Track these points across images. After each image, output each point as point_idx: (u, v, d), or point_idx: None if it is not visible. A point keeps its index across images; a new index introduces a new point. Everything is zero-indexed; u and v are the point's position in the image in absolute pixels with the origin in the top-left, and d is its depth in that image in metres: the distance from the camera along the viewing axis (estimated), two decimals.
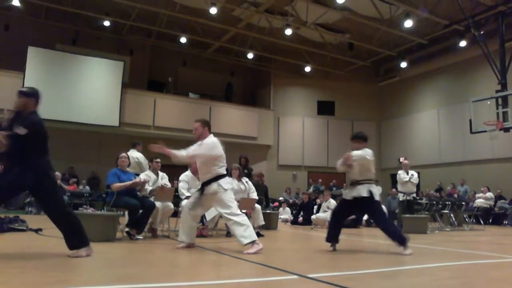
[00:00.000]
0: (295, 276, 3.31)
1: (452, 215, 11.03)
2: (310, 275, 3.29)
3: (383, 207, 12.14)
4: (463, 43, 15.52)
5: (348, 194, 5.23)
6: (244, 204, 7.03)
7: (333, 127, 19.89)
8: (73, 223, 3.95)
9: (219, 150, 4.99)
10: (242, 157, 9.41)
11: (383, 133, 20.23)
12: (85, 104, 15.49)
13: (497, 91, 12.95)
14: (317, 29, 16.27)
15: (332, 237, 5.20)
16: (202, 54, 18.65)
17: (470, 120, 13.37)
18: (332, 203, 11.15)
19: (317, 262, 4.45)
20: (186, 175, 6.99)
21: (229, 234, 7.03)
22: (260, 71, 20.30)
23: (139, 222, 5.95)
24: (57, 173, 11.38)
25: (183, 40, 17.31)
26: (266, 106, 19.94)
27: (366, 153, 5.12)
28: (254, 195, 7.76)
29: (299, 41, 17.37)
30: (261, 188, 9.25)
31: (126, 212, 6.17)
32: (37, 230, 6.51)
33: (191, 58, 19.11)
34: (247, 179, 8.01)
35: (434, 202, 11.19)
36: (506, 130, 12.51)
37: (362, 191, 5.05)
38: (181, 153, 4.93)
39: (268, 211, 9.97)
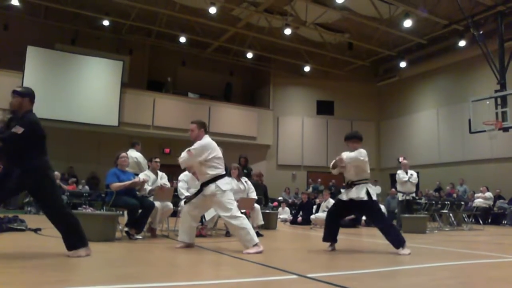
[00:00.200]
0: (294, 276, 3.31)
1: (451, 215, 11.05)
2: (309, 275, 3.29)
3: (382, 206, 12.19)
4: (462, 43, 15.53)
5: (345, 195, 5.22)
6: (244, 204, 7.03)
7: (332, 127, 19.89)
8: (71, 223, 3.95)
9: (214, 151, 4.96)
10: (242, 157, 9.42)
11: (382, 133, 20.24)
12: (84, 104, 15.48)
13: (496, 91, 12.96)
14: (317, 28, 16.27)
15: (328, 237, 5.19)
16: (201, 53, 18.65)
17: (469, 120, 13.39)
18: (331, 203, 11.13)
19: (316, 261, 4.45)
20: (185, 175, 6.98)
21: (228, 233, 7.03)
22: (259, 70, 20.30)
23: (138, 221, 5.95)
24: (56, 172, 11.38)
25: (182, 39, 17.30)
26: (265, 106, 19.95)
27: (360, 154, 5.12)
28: (254, 195, 7.76)
29: (299, 40, 17.37)
30: (260, 187, 9.25)
31: (125, 212, 6.17)
32: (36, 230, 6.51)
33: (191, 57, 19.11)
34: (246, 179, 8.01)
35: (433, 202, 11.20)
36: (505, 130, 12.53)
37: (360, 193, 5.04)
38: (183, 156, 4.90)
39: (267, 211, 9.97)
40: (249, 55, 18.68)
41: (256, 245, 4.68)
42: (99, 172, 14.91)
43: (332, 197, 11.81)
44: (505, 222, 13.43)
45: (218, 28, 16.24)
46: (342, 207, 5.31)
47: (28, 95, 4.03)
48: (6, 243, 5.06)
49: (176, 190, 7.13)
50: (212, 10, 14.17)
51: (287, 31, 15.71)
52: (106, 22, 16.15)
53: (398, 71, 18.92)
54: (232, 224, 4.77)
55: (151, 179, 6.79)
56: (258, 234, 6.64)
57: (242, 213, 5.01)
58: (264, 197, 9.72)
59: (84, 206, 7.10)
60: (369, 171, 5.21)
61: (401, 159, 15.75)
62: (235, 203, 4.96)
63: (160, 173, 7.06)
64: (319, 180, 17.90)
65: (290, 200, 16.47)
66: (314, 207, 12.01)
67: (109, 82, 16.22)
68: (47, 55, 15.49)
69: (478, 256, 5.17)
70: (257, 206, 7.74)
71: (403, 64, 17.92)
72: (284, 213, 13.68)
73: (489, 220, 13.52)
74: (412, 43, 17.06)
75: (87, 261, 3.72)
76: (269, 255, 4.73)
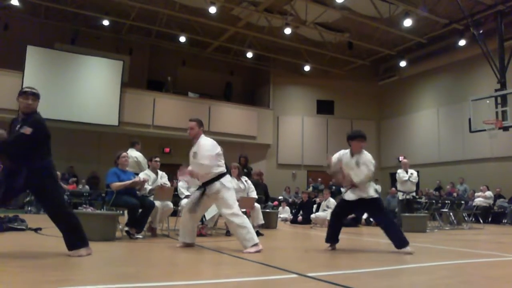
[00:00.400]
0: (295, 275, 3.32)
1: (451, 214, 11.05)
2: (309, 274, 3.29)
3: None
4: (462, 42, 15.53)
5: (351, 194, 5.17)
6: (244, 203, 7.03)
7: (332, 126, 19.89)
8: (73, 223, 3.95)
9: (217, 148, 5.03)
10: (242, 157, 9.43)
11: (382, 132, 20.24)
12: (84, 104, 15.48)
13: (496, 90, 12.96)
14: (317, 28, 16.26)
15: (332, 237, 5.19)
16: (201, 53, 18.64)
17: (470, 119, 13.39)
18: (332, 202, 11.15)
19: (316, 261, 4.45)
20: None
21: (228, 233, 7.04)
22: (259, 70, 20.30)
23: (138, 221, 5.96)
24: (57, 172, 11.38)
25: (182, 39, 17.30)
26: (265, 105, 19.95)
27: (370, 168, 5.10)
28: (254, 194, 7.76)
29: (299, 40, 17.36)
30: (260, 186, 9.25)
31: (126, 211, 6.17)
32: (36, 230, 6.52)
33: (191, 57, 19.10)
34: (246, 178, 8.02)
35: (434, 201, 11.21)
36: (505, 129, 12.53)
37: (369, 191, 5.05)
38: (201, 168, 4.89)
39: (267, 210, 9.98)
40: (249, 54, 18.68)
41: (255, 244, 4.69)
42: (99, 171, 14.92)
43: (332, 196, 11.82)
44: (505, 221, 13.43)
45: (218, 27, 16.23)
46: (346, 207, 5.28)
47: (39, 96, 4.04)
48: (6, 243, 5.06)
49: (176, 189, 7.14)
50: (212, 9, 14.16)
51: (287, 31, 15.70)
52: (106, 22, 16.14)
53: (398, 71, 18.92)
54: (233, 222, 4.77)
55: (151, 178, 6.79)
56: (258, 234, 6.66)
57: (242, 212, 5.01)
58: (264, 195, 9.73)
59: (84, 205, 7.11)
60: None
61: (401, 158, 15.75)
62: (237, 202, 4.98)
63: (160, 172, 7.06)
64: (319, 179, 17.90)
65: (290, 200, 16.47)
66: (314, 206, 12.01)
67: (109, 82, 16.22)
68: (47, 54, 15.49)
69: (478, 255, 5.17)
70: (257, 205, 7.74)
71: (403, 64, 17.92)
72: (284, 212, 13.68)
73: (489, 219, 13.52)
74: (412, 43, 17.05)
75: (87, 261, 3.73)
76: (269, 254, 4.74)
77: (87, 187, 14.58)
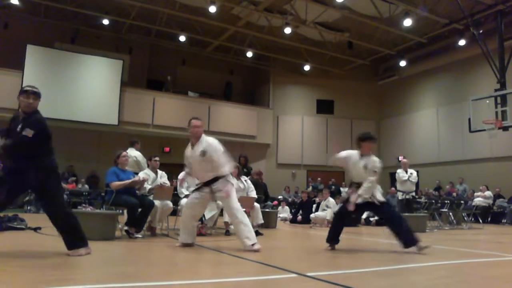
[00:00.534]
0: (294, 275, 3.32)
1: (451, 213, 11.06)
2: (308, 274, 3.29)
3: None
4: (462, 42, 15.53)
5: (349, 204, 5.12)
6: (244, 202, 7.00)
7: (332, 126, 19.91)
8: (72, 223, 3.95)
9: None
10: (242, 156, 9.43)
11: (382, 131, 20.23)
12: (84, 103, 15.48)
13: (496, 90, 12.96)
14: (317, 27, 16.26)
15: (333, 238, 5.17)
16: (201, 52, 18.63)
17: (469, 119, 13.39)
18: (331, 201, 11.16)
19: (315, 260, 4.46)
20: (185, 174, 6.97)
21: (228, 232, 7.05)
22: (259, 69, 20.29)
23: (138, 220, 5.96)
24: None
25: (182, 38, 17.29)
26: (265, 105, 19.95)
27: (377, 165, 5.21)
28: (253, 194, 7.77)
29: (299, 39, 17.36)
30: (260, 186, 9.25)
31: (125, 211, 6.17)
32: (36, 229, 6.52)
33: (190, 56, 19.10)
34: (246, 178, 8.02)
35: (433, 201, 11.21)
36: (505, 129, 12.53)
37: (377, 195, 5.05)
38: (213, 165, 4.94)
39: (267, 210, 9.98)
40: (249, 54, 18.67)
41: (254, 244, 4.71)
42: (99, 170, 14.91)
43: (332, 196, 11.83)
44: (505, 221, 13.44)
45: (218, 27, 16.22)
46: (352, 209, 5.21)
47: (40, 95, 4.04)
48: (6, 242, 5.06)
49: (175, 189, 7.13)
50: (212, 9, 14.15)
51: (287, 30, 15.69)
52: (106, 21, 16.12)
53: (398, 70, 18.91)
54: (238, 217, 4.80)
55: (150, 178, 6.79)
56: (258, 233, 6.67)
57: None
58: (264, 195, 9.73)
59: (84, 205, 7.11)
60: None
61: (400, 158, 15.74)
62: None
63: (159, 172, 7.06)
64: (319, 179, 17.91)
65: (290, 199, 16.47)
66: (314, 206, 12.01)
67: (109, 81, 16.22)
68: (46, 54, 15.48)
69: (477, 255, 5.17)
70: (257, 205, 7.74)
71: (403, 63, 17.91)
72: (284, 212, 13.68)
73: (489, 219, 13.52)
74: (412, 42, 17.05)
75: (87, 260, 3.73)
76: (269, 254, 4.74)
77: (86, 186, 14.58)
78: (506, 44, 13.63)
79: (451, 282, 3.31)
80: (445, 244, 6.37)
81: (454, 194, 14.85)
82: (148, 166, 7.21)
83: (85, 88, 15.73)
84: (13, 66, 14.52)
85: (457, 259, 4.62)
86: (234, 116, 18.35)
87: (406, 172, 9.89)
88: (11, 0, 14.43)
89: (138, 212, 5.91)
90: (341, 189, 17.00)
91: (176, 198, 7.15)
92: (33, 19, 15.79)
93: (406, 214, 9.51)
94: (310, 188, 16.76)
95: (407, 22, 14.37)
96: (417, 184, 10.61)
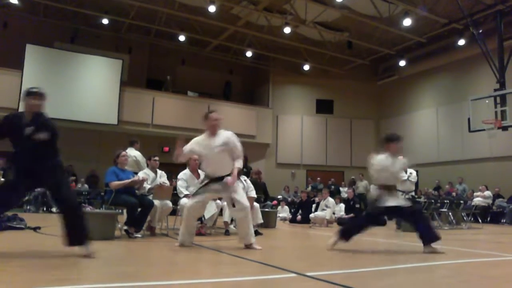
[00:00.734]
0: (293, 274, 3.32)
1: (450, 213, 11.06)
2: (308, 273, 3.29)
3: None
4: (461, 42, 15.53)
5: (392, 200, 5.07)
6: None
7: (331, 126, 19.91)
8: (85, 219, 3.99)
9: None
10: None
11: (381, 131, 20.19)
12: (83, 102, 15.47)
13: (495, 90, 12.97)
14: (316, 27, 16.26)
15: (350, 235, 5.01)
16: (200, 52, 18.63)
17: (469, 119, 13.39)
18: (331, 201, 11.16)
19: (315, 260, 4.46)
20: (184, 174, 6.99)
21: (227, 232, 7.04)
22: (258, 69, 20.29)
23: (137, 220, 5.96)
24: None
25: (181, 38, 17.28)
26: (264, 105, 19.94)
27: (405, 164, 5.37)
28: (253, 194, 7.75)
29: (298, 39, 17.36)
30: (259, 185, 9.25)
31: (125, 210, 6.17)
32: (35, 228, 6.51)
33: (190, 56, 19.09)
34: (245, 177, 8.01)
35: (433, 201, 11.20)
36: (504, 128, 12.53)
37: (400, 200, 5.05)
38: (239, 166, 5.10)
39: (266, 210, 9.98)
40: (249, 53, 18.67)
41: (255, 243, 4.78)
42: (98, 170, 14.90)
43: (331, 196, 11.83)
44: (504, 220, 13.45)
45: (218, 26, 16.22)
46: (384, 212, 5.18)
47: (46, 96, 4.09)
48: (5, 242, 5.06)
49: (175, 188, 7.13)
50: (212, 8, 14.15)
51: (287, 30, 15.69)
52: (105, 21, 16.12)
53: (398, 70, 18.92)
54: (247, 213, 4.85)
55: (150, 177, 6.79)
56: (257, 233, 6.66)
57: None
58: (264, 194, 9.73)
59: (83, 204, 7.11)
60: None
61: (400, 157, 15.75)
62: None
63: (159, 171, 7.06)
64: (318, 178, 17.92)
65: (289, 199, 16.47)
66: (313, 205, 12.00)
67: (108, 81, 16.21)
68: (46, 53, 15.47)
69: (477, 254, 5.18)
70: (256, 204, 7.74)
71: (402, 63, 17.92)
72: (284, 211, 13.68)
73: (488, 219, 13.54)
74: (411, 42, 17.06)
75: (86, 260, 3.72)
76: (268, 253, 4.74)
77: (86, 186, 14.57)
78: (506, 44, 13.63)
79: (451, 282, 3.31)
80: (444, 244, 6.36)
81: (454, 194, 14.86)
82: (147, 165, 7.21)
83: (85, 88, 15.72)
84: (12, 65, 14.51)
85: (456, 258, 4.63)
86: (233, 116, 18.31)
87: (406, 171, 9.88)
88: None
89: (138, 212, 5.91)
90: (341, 189, 17.02)
91: (175, 198, 7.15)
92: (33, 19, 15.78)
93: None
94: (310, 188, 16.76)
95: (407, 22, 14.38)
96: (416, 184, 10.61)
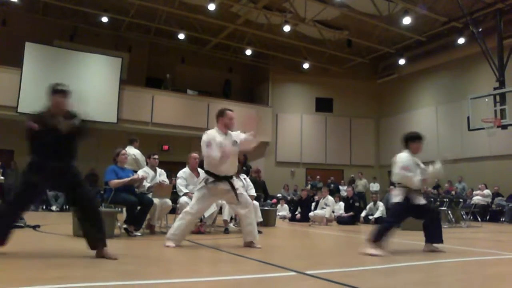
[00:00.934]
0: (293, 273, 3.32)
1: (449, 212, 11.06)
2: (307, 272, 3.30)
3: (381, 203, 12.21)
4: (461, 40, 15.53)
5: (420, 199, 5.05)
6: None
7: (331, 124, 19.91)
8: (102, 220, 3.95)
9: None
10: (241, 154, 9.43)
11: (381, 130, 20.24)
12: (83, 101, 15.43)
13: (495, 88, 12.97)
14: (316, 25, 16.24)
15: (382, 237, 4.67)
16: (200, 50, 18.62)
17: (468, 117, 13.40)
18: (330, 200, 11.16)
19: (315, 258, 4.46)
20: (184, 172, 6.99)
21: (227, 230, 7.05)
22: (258, 67, 20.28)
23: (137, 218, 5.96)
24: None
25: (181, 36, 17.27)
26: (264, 103, 19.93)
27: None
28: (252, 192, 7.76)
29: (298, 37, 17.34)
30: (258, 183, 9.27)
31: (124, 209, 6.17)
32: (34, 227, 6.51)
33: (189, 54, 19.08)
34: (245, 176, 8.02)
35: (432, 199, 11.22)
36: (504, 127, 12.54)
37: (421, 199, 5.01)
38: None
39: (266, 208, 9.98)
40: (248, 52, 18.65)
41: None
42: (97, 168, 14.88)
43: (331, 194, 11.83)
44: (503, 219, 13.47)
45: (217, 25, 16.20)
46: (412, 211, 5.01)
47: None
48: None
49: (175, 187, 7.13)
50: (211, 6, 14.14)
51: (286, 28, 15.68)
52: (105, 19, 16.09)
53: (397, 68, 18.92)
54: (251, 209, 4.90)
55: (150, 176, 6.79)
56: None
57: None
58: (263, 192, 9.73)
59: None
60: None
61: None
62: None
63: (159, 170, 7.06)
64: (318, 177, 17.93)
65: (289, 197, 16.47)
66: (313, 204, 12.01)
67: (107, 79, 16.19)
68: (45, 51, 15.43)
69: (476, 253, 5.18)
70: (255, 203, 7.74)
71: (402, 61, 17.92)
72: (283, 210, 13.68)
73: (487, 217, 13.55)
74: (411, 40, 17.05)
75: (86, 258, 3.72)
76: (268, 252, 4.74)
77: None
78: (505, 43, 13.63)
79: (450, 280, 3.32)
80: (444, 243, 6.38)
81: (453, 192, 14.87)
82: (147, 164, 7.20)
83: (84, 86, 15.61)
84: (11, 63, 14.48)
85: (456, 257, 4.63)
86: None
87: None
88: None
89: (137, 210, 5.91)
90: (340, 187, 17.03)
91: (175, 196, 7.15)
92: (32, 17, 15.75)
93: None
94: (309, 186, 16.77)
95: (406, 20, 14.37)
96: None
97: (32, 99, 14.28)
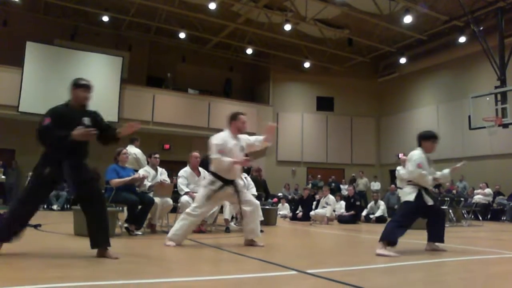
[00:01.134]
0: (294, 272, 3.32)
1: (450, 211, 11.05)
2: (308, 271, 3.29)
3: (381, 202, 12.20)
4: (462, 39, 15.50)
5: (430, 199, 4.97)
6: None
7: (332, 123, 19.90)
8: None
9: None
10: None
11: (382, 129, 20.23)
12: None
13: (496, 87, 12.95)
14: (316, 24, 16.22)
15: (395, 239, 4.60)
16: (201, 49, 18.61)
17: (469, 116, 13.38)
18: (331, 199, 11.15)
19: (315, 257, 4.46)
20: (185, 171, 6.99)
21: (227, 229, 7.04)
22: (259, 66, 20.27)
23: (138, 217, 5.96)
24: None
25: (182, 35, 17.26)
26: (265, 102, 19.92)
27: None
28: (253, 191, 7.77)
29: (298, 36, 17.33)
30: (259, 182, 9.26)
31: (125, 208, 6.17)
32: (36, 226, 6.51)
33: (190, 53, 19.07)
34: (246, 175, 8.01)
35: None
36: (505, 126, 12.52)
37: (430, 199, 4.95)
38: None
39: (267, 207, 9.98)
40: (249, 51, 18.64)
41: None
42: (99, 168, 14.85)
43: (332, 193, 11.82)
44: (504, 218, 13.46)
45: (218, 23, 16.20)
46: (422, 211, 4.95)
47: None
48: None
49: (176, 186, 7.13)
50: (212, 5, 14.13)
51: (287, 27, 15.67)
52: (105, 18, 16.10)
53: (398, 67, 18.90)
54: (256, 208, 4.99)
55: (150, 175, 6.79)
56: None
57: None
58: (264, 191, 9.72)
59: None
60: None
61: (400, 155, 15.68)
62: None
63: (159, 169, 7.06)
64: (319, 176, 17.92)
65: (289, 196, 16.47)
66: (314, 203, 11.99)
67: (108, 78, 16.18)
68: (46, 50, 15.44)
69: (477, 252, 5.18)
70: (256, 202, 7.73)
71: (403, 60, 17.90)
72: (284, 209, 13.68)
73: (489, 216, 13.54)
74: (412, 39, 17.03)
75: (87, 257, 3.72)
76: (269, 251, 4.74)
77: None
78: (507, 41, 13.61)
79: (452, 279, 3.31)
80: (445, 242, 6.37)
81: (454, 191, 14.85)
82: (148, 163, 7.21)
83: None
84: (12, 63, 14.49)
85: (457, 256, 4.63)
86: None
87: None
88: None
89: (138, 209, 5.91)
90: (341, 186, 17.02)
91: (176, 195, 7.15)
92: (33, 16, 15.76)
93: None
94: (310, 185, 16.77)
95: (407, 19, 14.34)
96: None
97: (33, 98, 14.30)
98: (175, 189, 7.09)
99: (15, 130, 14.82)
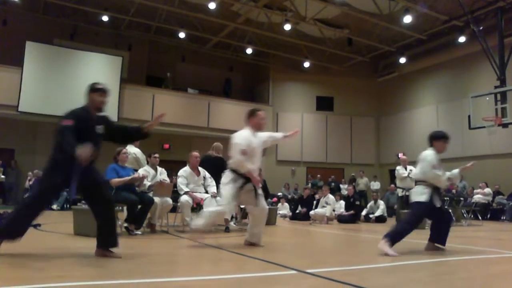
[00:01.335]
0: (294, 271, 3.32)
1: (450, 210, 11.03)
2: (308, 270, 3.29)
3: (381, 202, 12.20)
4: (462, 39, 15.50)
5: (439, 200, 4.90)
6: None
7: (332, 123, 19.90)
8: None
9: None
10: None
11: (381, 128, 20.23)
12: (83, 100, 15.44)
13: (496, 87, 12.95)
14: (316, 24, 16.22)
15: (400, 239, 4.62)
16: (200, 49, 18.61)
17: (469, 116, 13.38)
18: (331, 198, 11.16)
19: (315, 257, 4.46)
20: (184, 171, 6.99)
21: (227, 229, 7.04)
22: (258, 66, 20.27)
23: (137, 217, 5.96)
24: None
25: (181, 35, 17.26)
26: (264, 102, 19.91)
27: None
28: None
29: (298, 36, 17.33)
30: None
31: (125, 208, 6.17)
32: (35, 226, 6.50)
33: (190, 53, 19.06)
34: None
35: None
36: (505, 126, 12.52)
37: (439, 200, 4.89)
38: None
39: (267, 206, 9.97)
40: (249, 50, 18.64)
41: None
42: (99, 167, 14.87)
43: (332, 193, 11.83)
44: (504, 218, 13.46)
45: (218, 23, 16.19)
46: (430, 212, 4.91)
47: None
48: None
49: (175, 185, 7.13)
50: (212, 5, 14.13)
51: (287, 27, 15.66)
52: (105, 18, 16.09)
53: (398, 67, 18.90)
54: (266, 214, 5.05)
55: (150, 174, 6.79)
56: None
57: (241, 208, 5.04)
58: (264, 191, 9.69)
59: (83, 201, 7.09)
60: None
61: (400, 155, 15.71)
62: None
63: (159, 168, 7.06)
64: (319, 175, 17.92)
65: (289, 196, 16.48)
66: (314, 202, 12.00)
67: (108, 78, 16.09)
68: (46, 50, 15.44)
69: (477, 251, 5.18)
70: (267, 208, 7.72)
71: (402, 60, 17.90)
72: (284, 208, 13.69)
73: (488, 216, 13.54)
74: (412, 39, 17.02)
75: (87, 257, 3.72)
76: (269, 250, 4.74)
77: None
78: (506, 41, 13.61)
79: (452, 279, 3.31)
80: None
81: (454, 191, 14.84)
82: (147, 163, 7.20)
83: (85, 85, 15.47)
84: (12, 63, 14.49)
85: (457, 256, 4.63)
86: (233, 113, 18.29)
87: (406, 168, 9.91)
88: None
89: (138, 209, 5.91)
90: (341, 186, 17.03)
91: (175, 195, 7.16)
92: (32, 16, 15.75)
93: (406, 211, 9.52)
94: (310, 185, 16.77)
95: (407, 19, 14.34)
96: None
97: (32, 98, 14.30)
98: (175, 189, 7.09)
99: (15, 130, 14.82)
